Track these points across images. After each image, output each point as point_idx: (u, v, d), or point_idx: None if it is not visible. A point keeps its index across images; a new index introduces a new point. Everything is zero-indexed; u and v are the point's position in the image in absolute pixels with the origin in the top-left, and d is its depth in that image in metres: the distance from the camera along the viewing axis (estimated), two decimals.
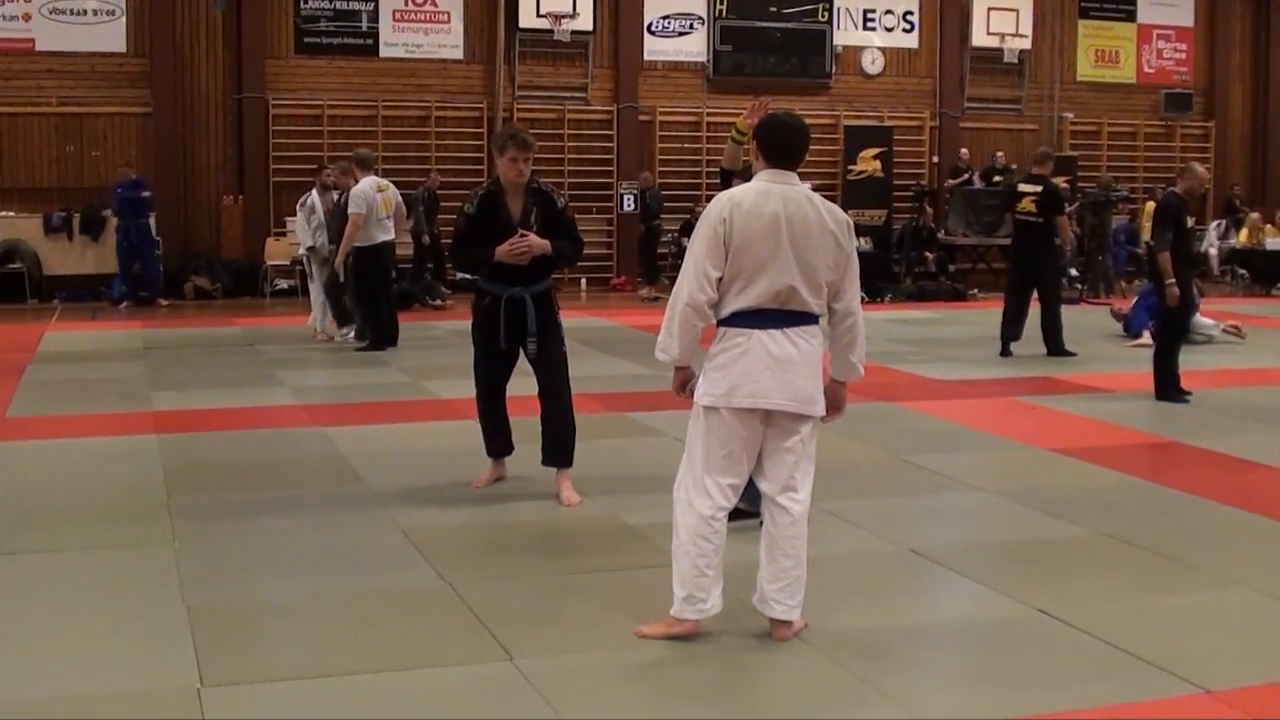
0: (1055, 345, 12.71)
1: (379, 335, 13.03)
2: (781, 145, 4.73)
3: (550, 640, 4.75)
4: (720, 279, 4.60)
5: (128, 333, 14.74)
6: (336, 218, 13.31)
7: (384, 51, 20.23)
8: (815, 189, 5.00)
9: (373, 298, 13.10)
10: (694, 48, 21.59)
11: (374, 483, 7.25)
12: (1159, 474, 7.71)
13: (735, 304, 4.62)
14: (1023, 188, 13.21)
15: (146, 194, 17.96)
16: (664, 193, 20.67)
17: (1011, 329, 12.79)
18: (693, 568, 4.66)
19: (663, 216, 20.24)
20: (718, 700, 4.28)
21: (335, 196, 13.57)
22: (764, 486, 4.75)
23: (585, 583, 5.49)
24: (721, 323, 4.69)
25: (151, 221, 18.10)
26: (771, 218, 4.57)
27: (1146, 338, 13.05)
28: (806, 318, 4.66)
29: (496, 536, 6.26)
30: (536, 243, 6.60)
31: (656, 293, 18.96)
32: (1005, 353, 12.70)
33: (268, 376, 11.32)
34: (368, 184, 12.94)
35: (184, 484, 7.23)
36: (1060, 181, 20.36)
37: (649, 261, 20.25)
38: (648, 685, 4.38)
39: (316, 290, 14.15)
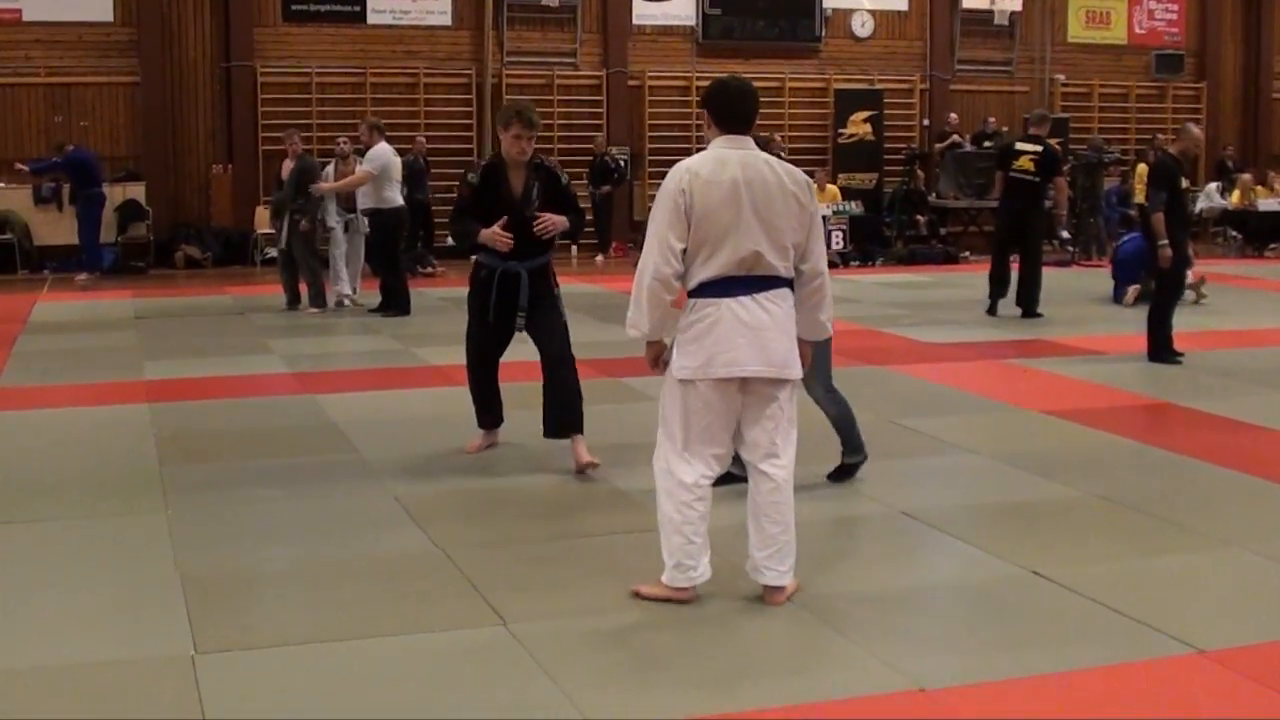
0: (1029, 306, 12.71)
1: (402, 298, 13.13)
2: (732, 110, 4.69)
3: (543, 604, 4.76)
4: (684, 250, 4.57)
5: (119, 302, 14.69)
6: (289, 183, 13.40)
7: (372, 19, 20.09)
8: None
9: (395, 258, 13.32)
10: (683, 11, 21.42)
11: (366, 450, 7.24)
12: (1151, 435, 7.71)
13: (702, 274, 4.59)
14: (1020, 146, 13.17)
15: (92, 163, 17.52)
16: (653, 157, 20.55)
17: (1000, 287, 12.82)
18: (679, 535, 4.65)
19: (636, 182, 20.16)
20: (711, 664, 4.27)
21: (291, 164, 13.61)
22: (746, 454, 4.73)
23: (578, 547, 5.50)
24: (690, 294, 4.65)
25: (98, 191, 17.60)
26: (730, 184, 4.54)
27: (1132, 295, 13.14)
28: (775, 282, 4.63)
29: (489, 502, 6.27)
30: (558, 221, 6.67)
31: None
32: (992, 311, 12.75)
33: (259, 345, 11.30)
34: (388, 149, 13.22)
35: (176, 453, 7.22)
36: (1052, 144, 20.36)
37: (603, 229, 20.00)
38: (640, 649, 4.38)
39: (338, 259, 14.02)
